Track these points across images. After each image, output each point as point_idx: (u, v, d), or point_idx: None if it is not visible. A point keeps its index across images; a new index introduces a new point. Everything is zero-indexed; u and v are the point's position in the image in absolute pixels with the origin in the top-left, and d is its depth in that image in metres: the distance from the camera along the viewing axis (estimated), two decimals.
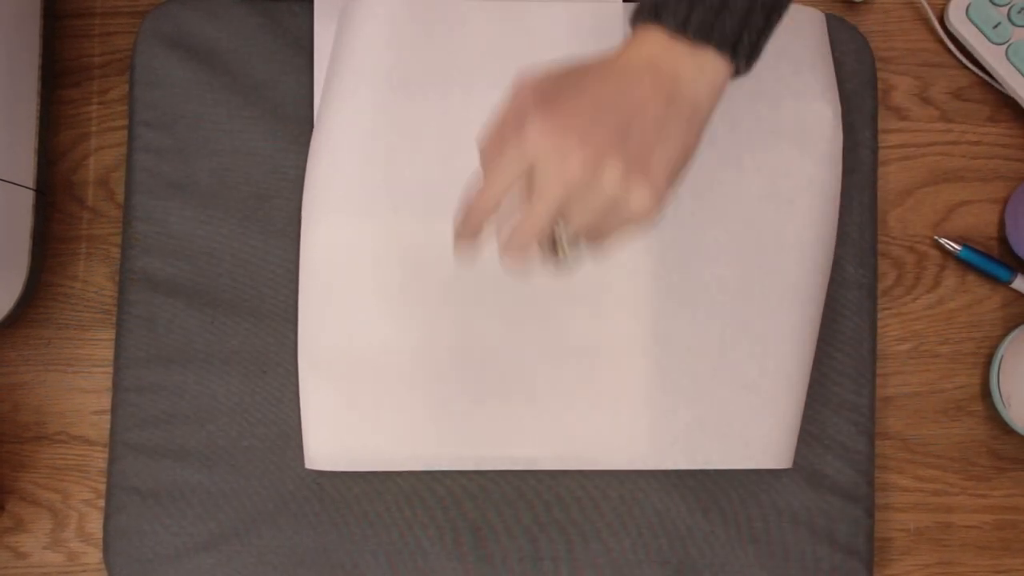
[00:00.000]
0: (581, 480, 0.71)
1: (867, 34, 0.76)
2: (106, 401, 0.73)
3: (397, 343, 0.69)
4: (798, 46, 0.72)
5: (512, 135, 0.51)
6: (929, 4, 0.76)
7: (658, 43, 0.52)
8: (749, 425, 0.70)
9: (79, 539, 0.72)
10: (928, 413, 0.75)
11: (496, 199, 0.52)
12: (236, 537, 0.70)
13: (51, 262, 0.73)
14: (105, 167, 0.74)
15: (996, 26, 0.74)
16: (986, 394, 0.75)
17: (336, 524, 0.70)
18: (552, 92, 0.51)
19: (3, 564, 0.72)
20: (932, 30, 0.77)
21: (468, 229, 0.53)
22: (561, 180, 0.50)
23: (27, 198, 0.69)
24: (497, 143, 0.52)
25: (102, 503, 0.72)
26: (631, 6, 0.71)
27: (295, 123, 0.72)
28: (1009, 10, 0.75)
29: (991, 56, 0.75)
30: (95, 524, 0.72)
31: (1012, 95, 0.75)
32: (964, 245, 0.75)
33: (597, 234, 0.52)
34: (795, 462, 0.72)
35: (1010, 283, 0.75)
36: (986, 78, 0.76)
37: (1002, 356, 0.73)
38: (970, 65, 0.76)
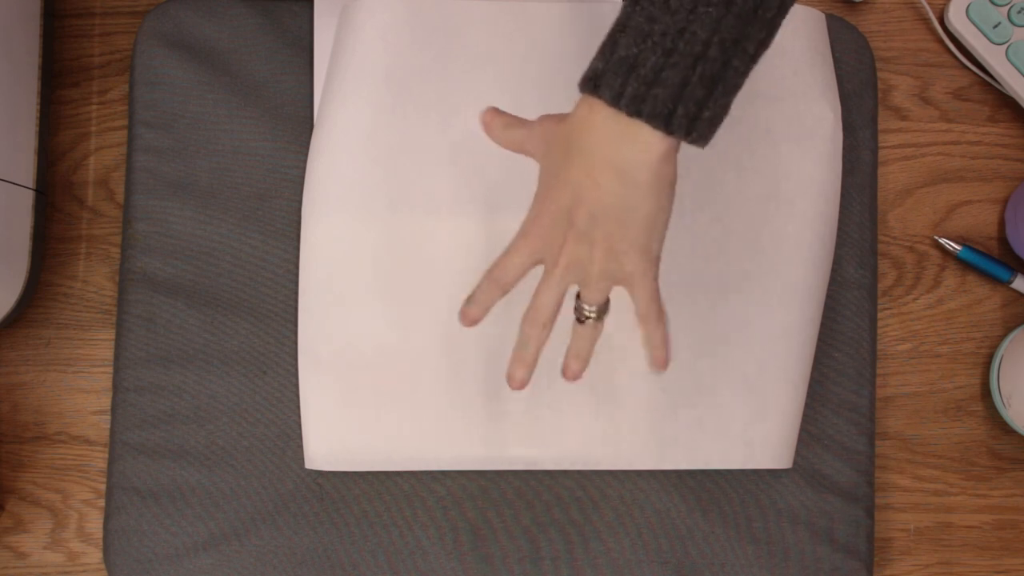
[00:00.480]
0: (581, 480, 0.71)
1: (867, 34, 0.76)
2: (106, 401, 0.73)
3: (397, 343, 0.69)
4: (798, 46, 0.72)
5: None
6: (929, 4, 0.76)
7: (599, 113, 0.53)
8: (749, 425, 0.70)
9: (79, 539, 0.72)
10: (928, 413, 0.75)
11: (510, 283, 0.59)
12: (236, 537, 0.70)
13: (51, 262, 0.73)
14: (105, 167, 0.74)
15: (996, 26, 0.74)
16: (986, 394, 0.75)
17: (336, 524, 0.70)
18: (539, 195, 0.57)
19: (3, 564, 0.72)
20: (932, 30, 0.77)
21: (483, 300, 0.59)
22: (549, 277, 0.57)
23: (27, 198, 0.69)
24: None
25: (102, 503, 0.72)
26: None
27: (295, 123, 0.72)
28: (1009, 10, 0.75)
29: (991, 56, 0.75)
30: (95, 524, 0.72)
31: (1012, 95, 0.75)
32: (964, 245, 0.75)
33: (602, 297, 0.58)
34: (795, 462, 0.72)
35: (1010, 283, 0.75)
36: (986, 78, 0.76)
37: (1002, 356, 0.73)
38: (970, 65, 0.76)
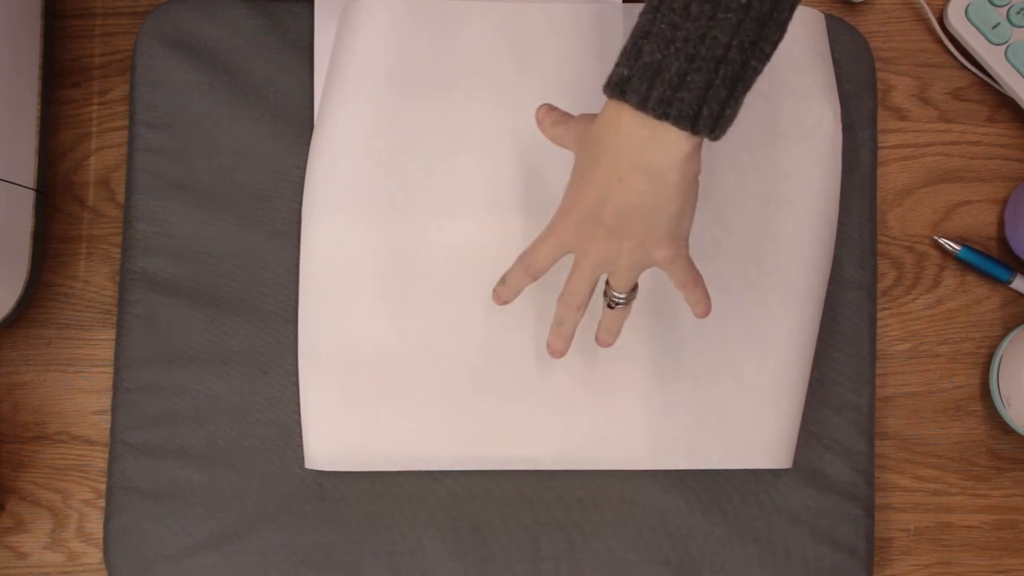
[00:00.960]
0: (581, 480, 0.71)
1: (867, 34, 0.76)
2: (106, 401, 0.73)
3: (397, 343, 0.69)
4: (798, 46, 0.72)
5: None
6: (928, 4, 0.76)
7: (626, 116, 0.55)
8: (749, 425, 0.70)
9: (79, 539, 0.72)
10: (928, 413, 0.75)
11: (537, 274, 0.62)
12: (236, 537, 0.70)
13: (51, 262, 0.73)
14: (105, 167, 0.74)
15: (995, 26, 0.74)
16: (986, 394, 0.75)
17: (337, 524, 0.70)
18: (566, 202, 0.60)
19: (3, 564, 0.72)
20: (931, 30, 0.77)
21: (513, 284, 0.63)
22: (579, 268, 0.61)
23: (27, 198, 0.69)
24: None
25: (102, 503, 0.72)
26: (631, 7, 0.71)
27: (295, 123, 0.73)
28: (1008, 10, 0.75)
29: (990, 56, 0.75)
30: (95, 524, 0.72)
31: (1011, 95, 0.75)
32: (963, 245, 0.75)
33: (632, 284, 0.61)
34: (795, 462, 0.72)
35: (1009, 283, 0.75)
36: (985, 78, 0.76)
37: (1002, 356, 0.73)
38: (969, 65, 0.76)
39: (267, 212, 0.72)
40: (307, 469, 0.70)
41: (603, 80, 0.56)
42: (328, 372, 0.69)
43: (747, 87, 0.55)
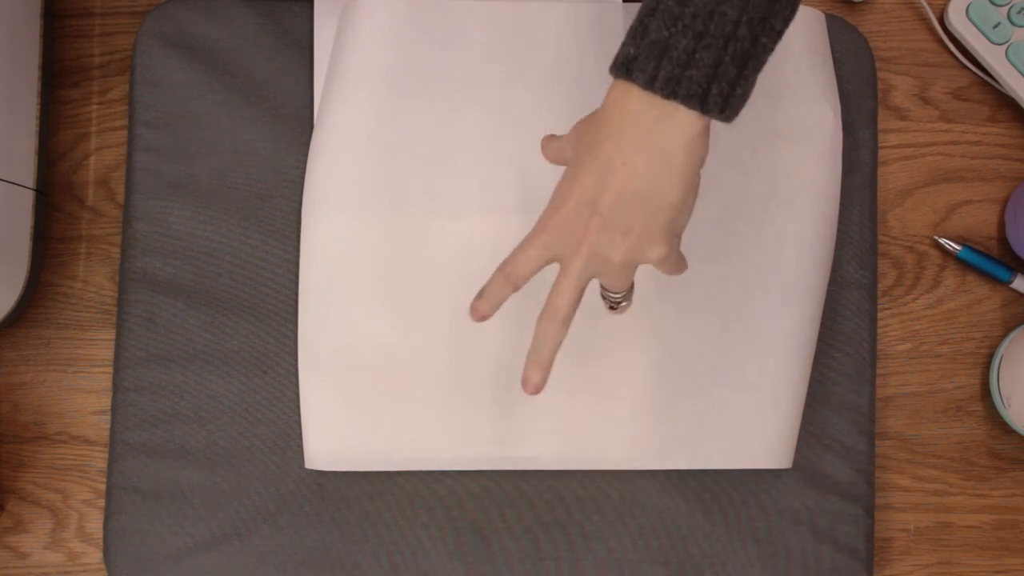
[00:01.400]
0: (581, 480, 0.71)
1: (867, 34, 0.76)
2: (106, 401, 0.73)
3: (397, 343, 0.69)
4: (798, 46, 0.72)
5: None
6: (929, 4, 0.76)
7: (634, 97, 0.53)
8: (749, 425, 0.70)
9: (79, 539, 0.72)
10: (928, 413, 0.75)
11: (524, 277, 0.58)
12: (236, 537, 0.70)
13: (51, 262, 0.73)
14: (105, 167, 0.74)
15: (996, 26, 0.74)
16: (986, 394, 0.75)
17: (337, 524, 0.70)
18: (563, 186, 0.57)
19: (3, 564, 0.72)
20: (932, 30, 0.77)
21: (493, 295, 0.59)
22: (568, 272, 0.56)
23: (27, 198, 0.69)
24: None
25: (102, 503, 0.72)
26: (631, 7, 0.71)
27: (295, 123, 0.73)
28: (1009, 10, 0.75)
29: (991, 56, 0.75)
30: (95, 524, 0.72)
31: (1012, 95, 0.75)
32: (964, 245, 0.75)
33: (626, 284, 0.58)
34: (795, 462, 0.72)
35: (1010, 283, 0.75)
36: (986, 78, 0.76)
37: (1002, 356, 0.73)
38: (970, 65, 0.76)
39: (267, 212, 0.72)
40: (307, 469, 0.70)
41: (603, 80, 0.55)
42: (328, 372, 0.69)
43: (758, 65, 0.53)
